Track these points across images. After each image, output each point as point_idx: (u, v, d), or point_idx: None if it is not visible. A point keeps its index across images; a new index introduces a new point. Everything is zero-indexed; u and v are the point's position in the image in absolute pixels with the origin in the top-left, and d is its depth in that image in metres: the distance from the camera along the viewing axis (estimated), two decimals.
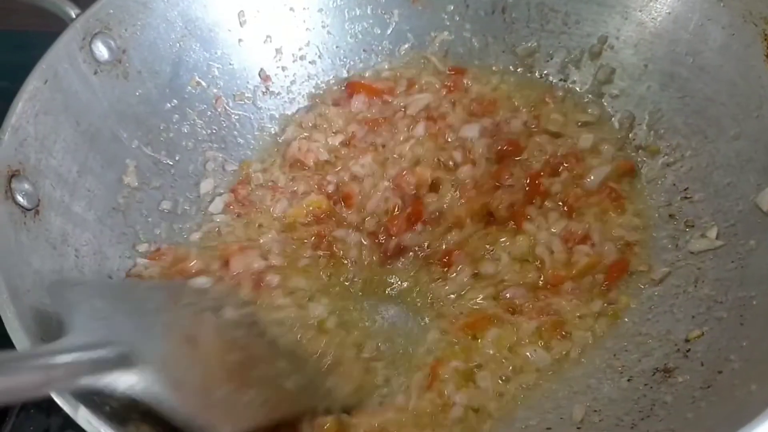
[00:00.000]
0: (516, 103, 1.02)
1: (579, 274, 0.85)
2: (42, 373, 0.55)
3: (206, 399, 0.64)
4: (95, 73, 0.86)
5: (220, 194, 0.97)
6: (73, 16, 0.85)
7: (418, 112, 1.01)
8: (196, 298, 0.79)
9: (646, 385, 0.74)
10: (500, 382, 0.79)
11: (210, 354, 0.70)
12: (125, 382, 0.58)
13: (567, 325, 0.82)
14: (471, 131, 0.98)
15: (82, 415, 0.57)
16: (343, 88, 1.06)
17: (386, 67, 1.08)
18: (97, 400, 0.60)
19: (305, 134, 1.01)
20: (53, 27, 0.84)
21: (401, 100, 1.03)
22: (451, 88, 1.04)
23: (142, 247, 0.88)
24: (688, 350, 0.74)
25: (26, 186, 0.75)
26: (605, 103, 1.00)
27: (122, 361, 0.59)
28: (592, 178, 0.91)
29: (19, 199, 0.73)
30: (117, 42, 0.88)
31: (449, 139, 0.98)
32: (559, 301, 0.83)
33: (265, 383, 0.71)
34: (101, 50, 0.86)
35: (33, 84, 0.78)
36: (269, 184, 0.98)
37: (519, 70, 1.05)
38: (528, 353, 0.80)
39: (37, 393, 0.57)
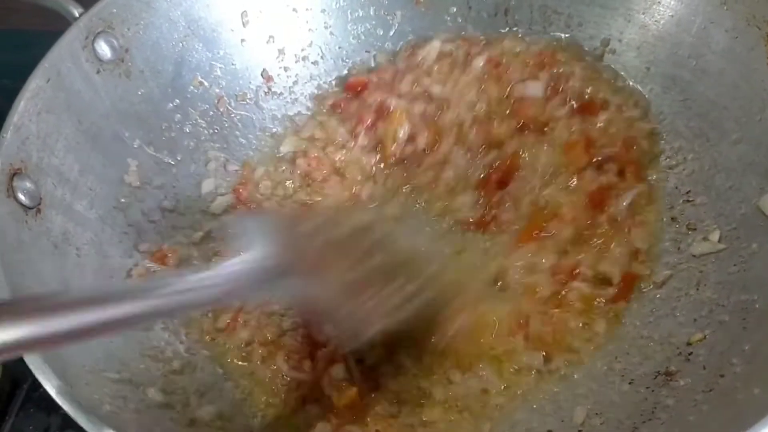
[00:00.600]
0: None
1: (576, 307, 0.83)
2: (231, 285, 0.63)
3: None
4: (98, 72, 0.86)
5: (222, 194, 0.97)
6: (77, 15, 0.85)
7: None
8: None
9: (647, 388, 0.74)
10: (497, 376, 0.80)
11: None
12: (287, 285, 0.69)
13: (565, 337, 0.81)
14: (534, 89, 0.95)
15: None
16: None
17: None
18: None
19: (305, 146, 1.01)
20: (55, 26, 0.84)
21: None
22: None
23: (144, 247, 0.88)
24: (690, 353, 0.74)
25: (28, 184, 0.75)
26: None
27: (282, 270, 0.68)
28: (623, 203, 0.87)
29: (21, 197, 0.73)
30: (120, 41, 0.88)
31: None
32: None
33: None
34: (104, 49, 0.86)
35: (35, 82, 0.78)
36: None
37: None
38: (523, 356, 0.81)
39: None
